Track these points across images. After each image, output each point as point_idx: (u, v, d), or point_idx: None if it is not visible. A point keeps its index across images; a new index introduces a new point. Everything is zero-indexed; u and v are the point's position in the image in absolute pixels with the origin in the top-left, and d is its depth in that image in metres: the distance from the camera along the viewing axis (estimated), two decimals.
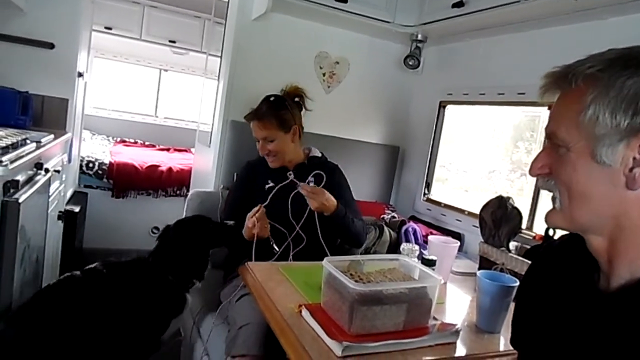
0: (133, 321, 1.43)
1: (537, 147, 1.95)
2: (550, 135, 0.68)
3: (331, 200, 1.67)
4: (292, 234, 1.70)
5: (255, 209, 1.61)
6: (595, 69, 0.62)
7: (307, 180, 1.81)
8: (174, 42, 4.48)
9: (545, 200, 1.87)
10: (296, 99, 1.91)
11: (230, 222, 1.67)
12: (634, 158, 0.60)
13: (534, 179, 1.88)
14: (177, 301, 1.57)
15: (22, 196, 1.33)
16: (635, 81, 0.58)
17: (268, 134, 1.80)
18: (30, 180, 1.53)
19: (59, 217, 2.23)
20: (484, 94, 2.17)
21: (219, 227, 1.68)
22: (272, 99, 1.85)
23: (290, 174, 1.77)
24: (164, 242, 1.61)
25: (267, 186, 1.84)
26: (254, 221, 1.57)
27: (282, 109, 1.83)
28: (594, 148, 0.62)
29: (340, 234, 1.77)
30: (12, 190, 1.31)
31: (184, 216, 1.71)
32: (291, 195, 1.70)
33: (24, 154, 1.44)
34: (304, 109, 1.94)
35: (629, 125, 0.59)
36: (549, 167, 0.69)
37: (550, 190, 0.70)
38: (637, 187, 0.60)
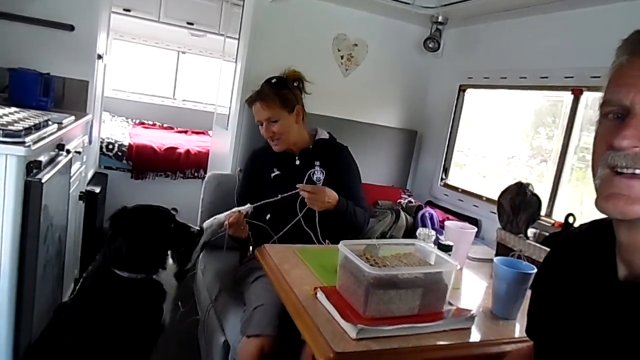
0: (122, 329, 1.37)
1: (559, 133, 1.90)
2: None
3: (332, 197, 1.66)
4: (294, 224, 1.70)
5: (229, 213, 1.66)
6: None
7: (310, 172, 1.80)
8: (192, 24, 4.47)
9: (566, 188, 1.84)
10: (295, 83, 1.90)
11: (195, 228, 1.59)
12: None
13: (555, 164, 1.85)
14: (151, 291, 1.45)
15: (45, 176, 1.36)
16: None
17: (272, 114, 1.79)
18: (52, 161, 1.56)
19: (80, 198, 2.27)
20: (505, 78, 2.12)
21: (180, 230, 1.54)
22: (273, 80, 1.84)
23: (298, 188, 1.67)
24: (116, 232, 1.43)
25: (272, 174, 1.84)
26: (226, 225, 1.63)
27: (284, 88, 1.82)
28: None
29: (342, 226, 1.75)
30: (35, 171, 1.33)
31: (145, 204, 1.52)
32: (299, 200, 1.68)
33: (46, 135, 1.46)
34: (304, 93, 1.93)
35: None
36: None
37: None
38: None
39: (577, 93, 1.80)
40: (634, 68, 0.61)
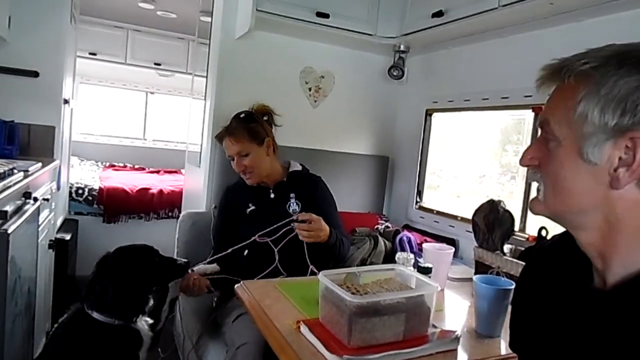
0: None
1: (524, 150, 1.97)
2: (542, 124, 0.68)
3: (325, 228, 1.65)
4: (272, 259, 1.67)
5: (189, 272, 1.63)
6: (589, 66, 0.61)
7: (288, 205, 1.80)
8: (159, 64, 4.50)
9: None
10: (265, 117, 1.92)
11: (182, 260, 1.56)
12: (620, 158, 0.60)
13: (524, 181, 1.91)
14: (128, 338, 1.40)
15: (11, 227, 1.32)
16: (626, 81, 0.58)
17: (241, 148, 1.80)
18: (19, 210, 1.51)
19: (50, 246, 2.20)
20: (468, 100, 2.20)
21: (166, 263, 1.51)
22: (242, 115, 1.86)
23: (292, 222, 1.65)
24: (101, 273, 1.41)
25: (248, 210, 1.83)
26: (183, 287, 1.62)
27: (252, 122, 1.84)
28: (581, 146, 0.62)
29: (329, 257, 1.73)
30: (0, 221, 1.29)
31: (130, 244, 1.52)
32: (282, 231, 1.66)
33: (11, 183, 1.43)
34: (274, 126, 1.95)
35: (617, 125, 0.59)
36: (538, 160, 0.69)
37: (536, 182, 0.71)
38: (620, 187, 0.60)
39: (537, 110, 1.87)
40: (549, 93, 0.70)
